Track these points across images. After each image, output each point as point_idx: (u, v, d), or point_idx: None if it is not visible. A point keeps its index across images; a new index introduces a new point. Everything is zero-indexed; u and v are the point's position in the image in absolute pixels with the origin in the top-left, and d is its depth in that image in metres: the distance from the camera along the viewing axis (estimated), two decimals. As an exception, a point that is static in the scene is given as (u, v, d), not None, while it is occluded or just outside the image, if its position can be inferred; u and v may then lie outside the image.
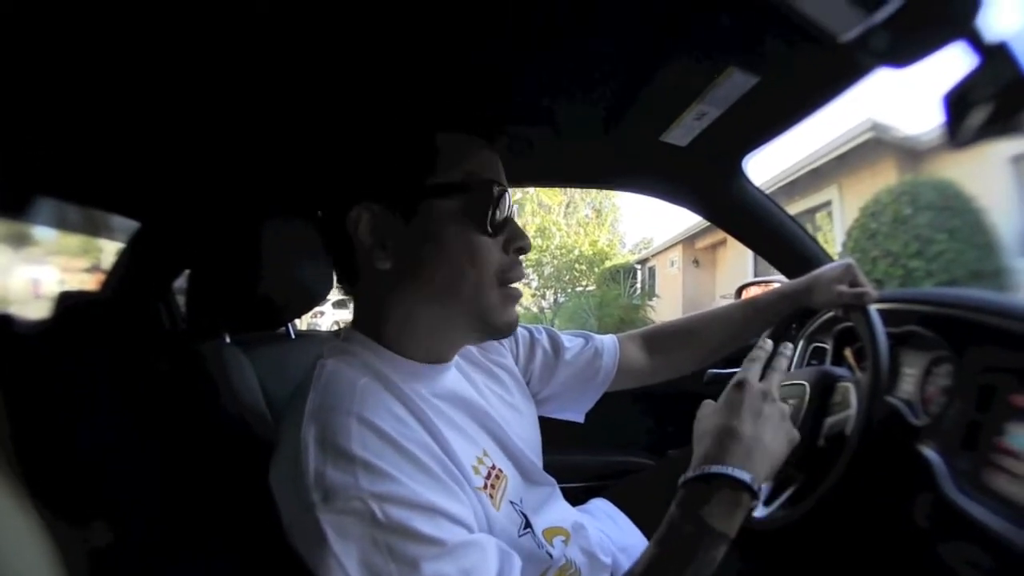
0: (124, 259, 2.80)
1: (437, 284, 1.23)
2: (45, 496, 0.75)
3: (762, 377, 1.31)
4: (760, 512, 1.51)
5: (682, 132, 2.03)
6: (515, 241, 1.27)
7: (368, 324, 1.30)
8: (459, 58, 1.59)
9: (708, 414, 1.30)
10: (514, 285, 1.30)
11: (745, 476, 1.11)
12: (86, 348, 1.98)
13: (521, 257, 1.31)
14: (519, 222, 1.31)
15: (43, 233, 3.25)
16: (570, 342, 1.81)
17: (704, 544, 1.08)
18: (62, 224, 3.07)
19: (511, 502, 1.31)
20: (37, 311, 2.43)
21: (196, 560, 1.56)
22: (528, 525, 1.33)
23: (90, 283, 3.57)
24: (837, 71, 1.64)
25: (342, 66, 1.59)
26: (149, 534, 1.60)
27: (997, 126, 0.70)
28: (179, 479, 1.66)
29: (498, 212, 1.22)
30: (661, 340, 1.95)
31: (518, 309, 1.32)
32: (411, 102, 1.41)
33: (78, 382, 1.81)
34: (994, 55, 0.66)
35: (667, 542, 1.13)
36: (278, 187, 2.27)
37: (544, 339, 1.79)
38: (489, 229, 1.21)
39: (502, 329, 1.30)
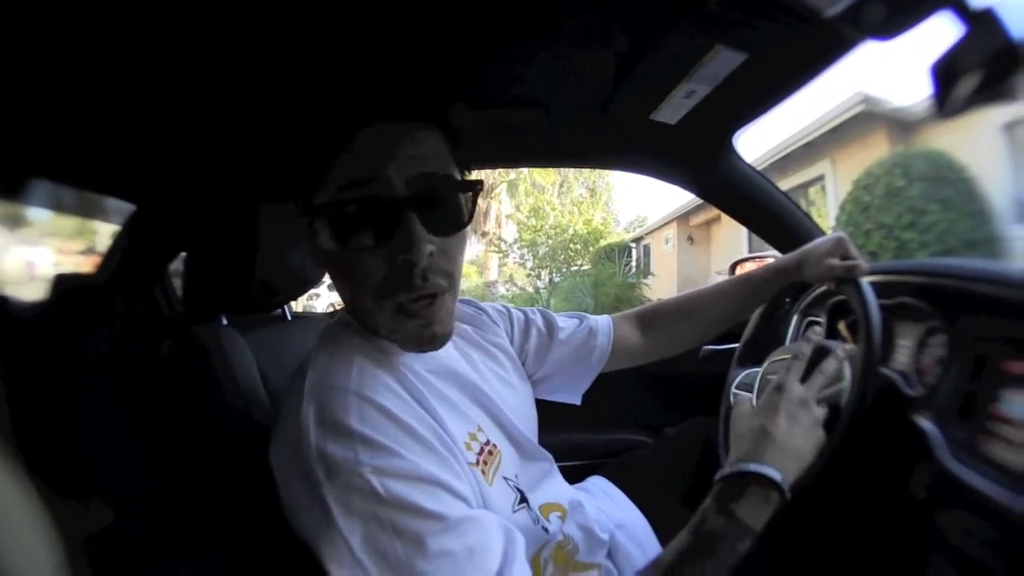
0: (120, 242, 2.80)
1: (345, 296, 1.27)
2: (44, 477, 0.76)
3: (806, 377, 1.37)
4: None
5: (671, 110, 2.03)
6: (400, 252, 1.13)
7: (351, 309, 1.32)
8: (433, 41, 1.60)
9: (746, 413, 1.36)
10: (422, 299, 1.19)
11: (776, 475, 1.17)
12: (83, 331, 1.98)
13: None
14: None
15: (37, 214, 3.24)
16: (564, 322, 1.83)
17: (732, 536, 1.13)
18: (57, 206, 3.06)
19: (504, 478, 1.32)
20: (32, 293, 2.43)
21: (194, 542, 1.57)
22: (523, 500, 1.35)
23: (85, 265, 3.56)
24: (824, 45, 1.65)
25: (313, 59, 1.60)
26: (147, 516, 1.61)
27: (986, 93, 0.70)
28: (176, 460, 1.67)
29: (369, 223, 1.15)
30: (655, 319, 1.96)
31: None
32: (314, 113, 1.38)
33: (75, 365, 1.81)
34: (980, 23, 0.66)
35: (698, 531, 1.16)
36: (272, 170, 2.27)
37: (539, 320, 1.80)
38: (357, 244, 1.16)
39: (410, 346, 1.26)
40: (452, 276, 1.24)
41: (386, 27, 1.49)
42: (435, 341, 1.25)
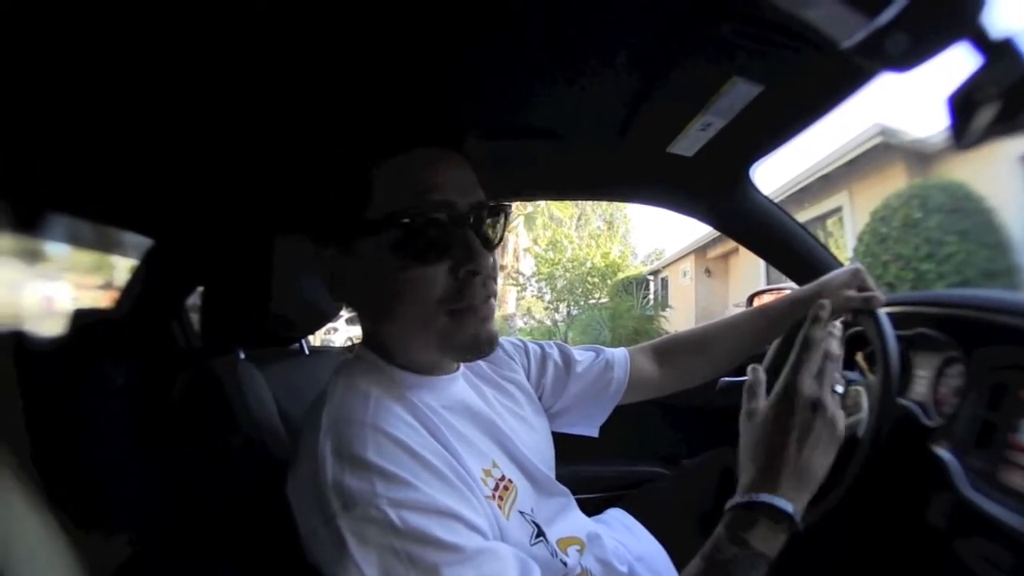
0: (138, 276, 2.81)
1: (389, 315, 1.26)
2: (65, 508, 0.76)
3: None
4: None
5: (688, 143, 2.03)
6: (464, 264, 1.20)
7: (372, 341, 1.33)
8: (450, 67, 1.60)
9: (768, 423, 1.24)
10: (481, 304, 1.24)
11: (788, 507, 1.12)
12: (102, 365, 1.99)
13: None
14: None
15: (56, 249, 3.25)
16: (581, 355, 1.82)
17: (746, 564, 1.10)
18: (75, 241, 3.08)
19: (520, 512, 1.31)
20: (51, 328, 2.44)
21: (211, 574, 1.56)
22: (540, 534, 1.33)
23: (103, 300, 3.57)
24: (841, 77, 1.64)
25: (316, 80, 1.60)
26: (165, 549, 1.61)
27: (1005, 124, 0.70)
28: (195, 495, 1.66)
29: (439, 238, 1.20)
30: (672, 351, 1.95)
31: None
32: (354, 129, 1.38)
33: (94, 399, 1.82)
34: (999, 52, 0.65)
35: (712, 559, 1.14)
36: (290, 204, 2.28)
37: (555, 353, 1.80)
38: (425, 258, 1.19)
39: (467, 352, 1.30)
40: (496, 285, 1.29)
41: (411, 57, 1.51)
42: (491, 343, 1.28)
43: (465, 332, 1.24)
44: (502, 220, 1.32)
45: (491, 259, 1.24)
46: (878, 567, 1.55)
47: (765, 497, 1.13)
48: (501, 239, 1.33)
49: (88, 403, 1.83)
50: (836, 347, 1.28)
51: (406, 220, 1.17)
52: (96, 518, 1.52)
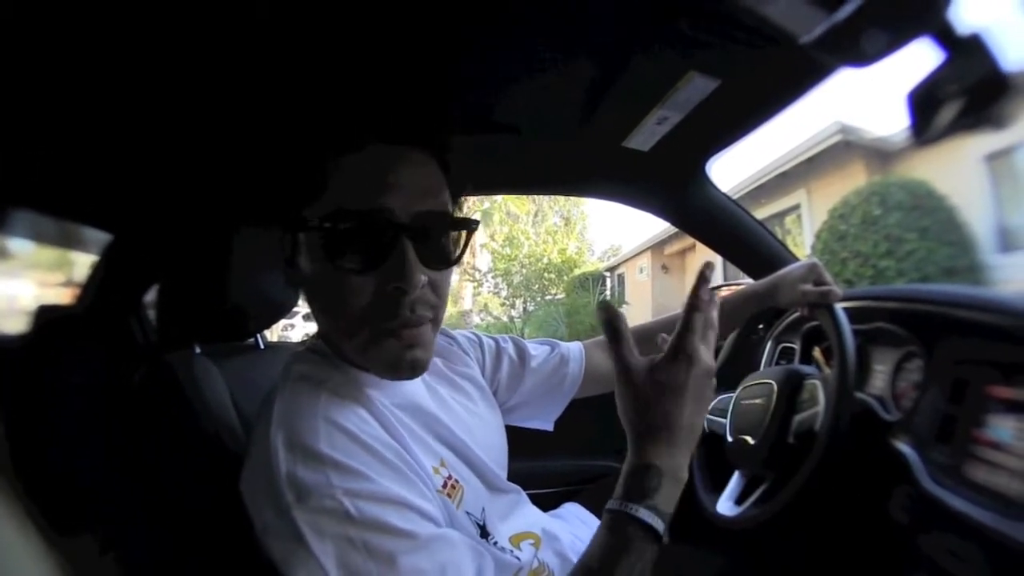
0: (98, 272, 2.78)
1: (323, 317, 1.26)
2: (40, 507, 0.76)
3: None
4: (732, 511, 1.53)
5: (644, 137, 2.03)
6: (391, 280, 1.13)
7: (324, 335, 1.32)
8: (411, 64, 1.58)
9: (651, 385, 1.28)
10: (407, 327, 1.18)
11: (659, 525, 1.10)
12: (66, 362, 1.97)
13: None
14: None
15: (19, 246, 3.22)
16: (536, 350, 1.82)
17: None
18: (37, 237, 3.05)
19: (467, 512, 1.31)
20: (15, 326, 2.42)
21: (172, 568, 1.56)
22: (485, 535, 1.33)
23: (65, 297, 3.56)
24: (799, 72, 1.65)
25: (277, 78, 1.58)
26: (131, 543, 1.60)
27: (968, 120, 0.69)
28: (154, 489, 1.65)
29: (366, 246, 1.14)
30: None
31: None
32: (312, 121, 1.36)
33: (59, 396, 1.81)
34: (964, 48, 0.65)
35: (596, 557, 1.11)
36: (245, 196, 2.26)
37: (510, 348, 1.79)
38: (349, 267, 1.14)
39: (384, 374, 1.24)
40: (437, 309, 1.24)
41: (377, 49, 1.48)
42: (415, 367, 1.21)
43: (384, 355, 1.20)
44: (464, 235, 1.28)
45: (427, 278, 1.17)
46: (842, 562, 1.55)
47: (632, 509, 1.13)
48: (460, 256, 1.28)
49: (55, 400, 1.81)
50: (715, 315, 1.29)
51: (342, 224, 1.13)
52: (66, 516, 1.51)
